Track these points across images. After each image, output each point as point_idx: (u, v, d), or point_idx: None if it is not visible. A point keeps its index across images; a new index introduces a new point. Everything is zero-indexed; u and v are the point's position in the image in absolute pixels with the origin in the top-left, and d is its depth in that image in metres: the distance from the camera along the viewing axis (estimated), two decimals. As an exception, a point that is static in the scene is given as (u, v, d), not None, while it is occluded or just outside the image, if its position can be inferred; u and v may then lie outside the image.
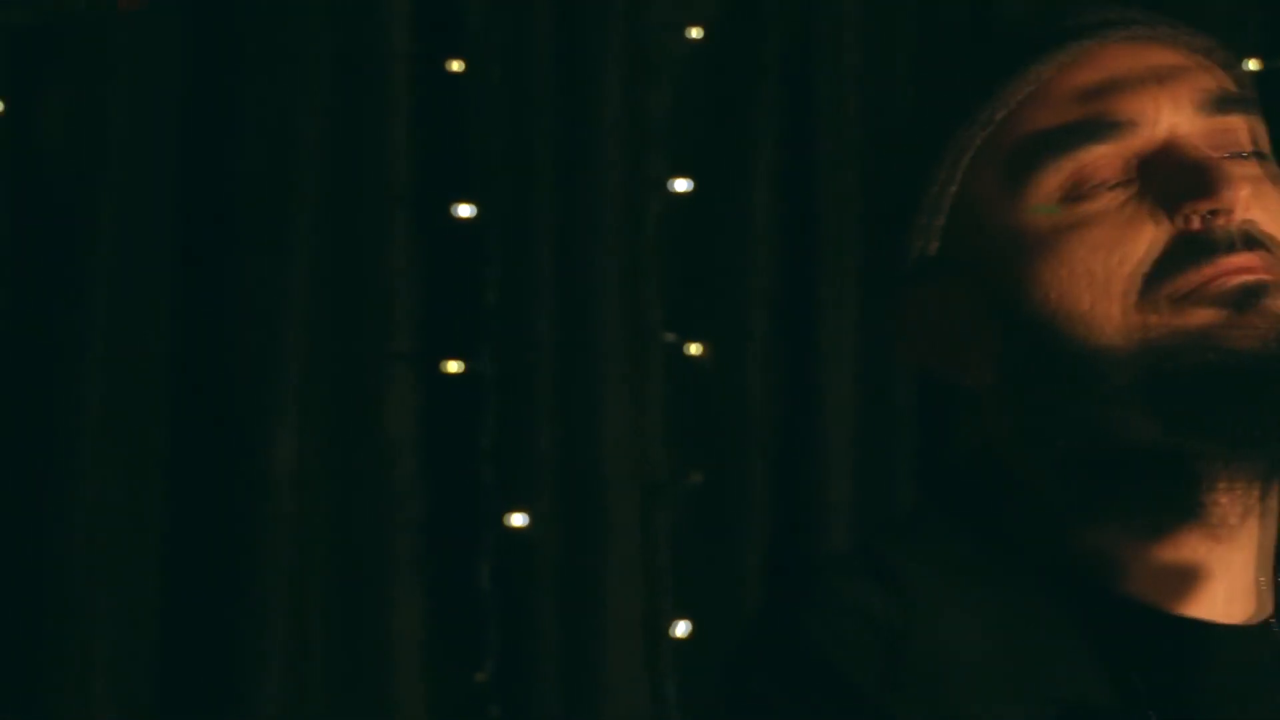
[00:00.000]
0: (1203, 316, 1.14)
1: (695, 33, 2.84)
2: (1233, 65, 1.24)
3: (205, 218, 2.82)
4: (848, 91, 2.82)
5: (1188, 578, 1.17)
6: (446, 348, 2.78)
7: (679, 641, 2.75)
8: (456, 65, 2.83)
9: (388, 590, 2.78)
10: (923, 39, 2.84)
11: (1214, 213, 1.15)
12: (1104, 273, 1.15)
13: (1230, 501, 1.16)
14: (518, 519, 2.74)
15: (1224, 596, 1.18)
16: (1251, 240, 1.15)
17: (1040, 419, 1.18)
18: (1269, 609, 1.21)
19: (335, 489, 2.79)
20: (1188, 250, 1.15)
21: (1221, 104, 1.20)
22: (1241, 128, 1.20)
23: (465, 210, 2.78)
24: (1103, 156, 1.17)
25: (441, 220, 2.79)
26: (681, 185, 2.80)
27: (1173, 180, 1.16)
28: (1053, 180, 1.18)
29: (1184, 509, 1.16)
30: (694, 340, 2.79)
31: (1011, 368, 1.20)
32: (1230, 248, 1.15)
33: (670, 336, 2.79)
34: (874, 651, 1.13)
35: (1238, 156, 1.18)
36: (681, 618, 2.75)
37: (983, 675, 1.14)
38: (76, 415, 2.75)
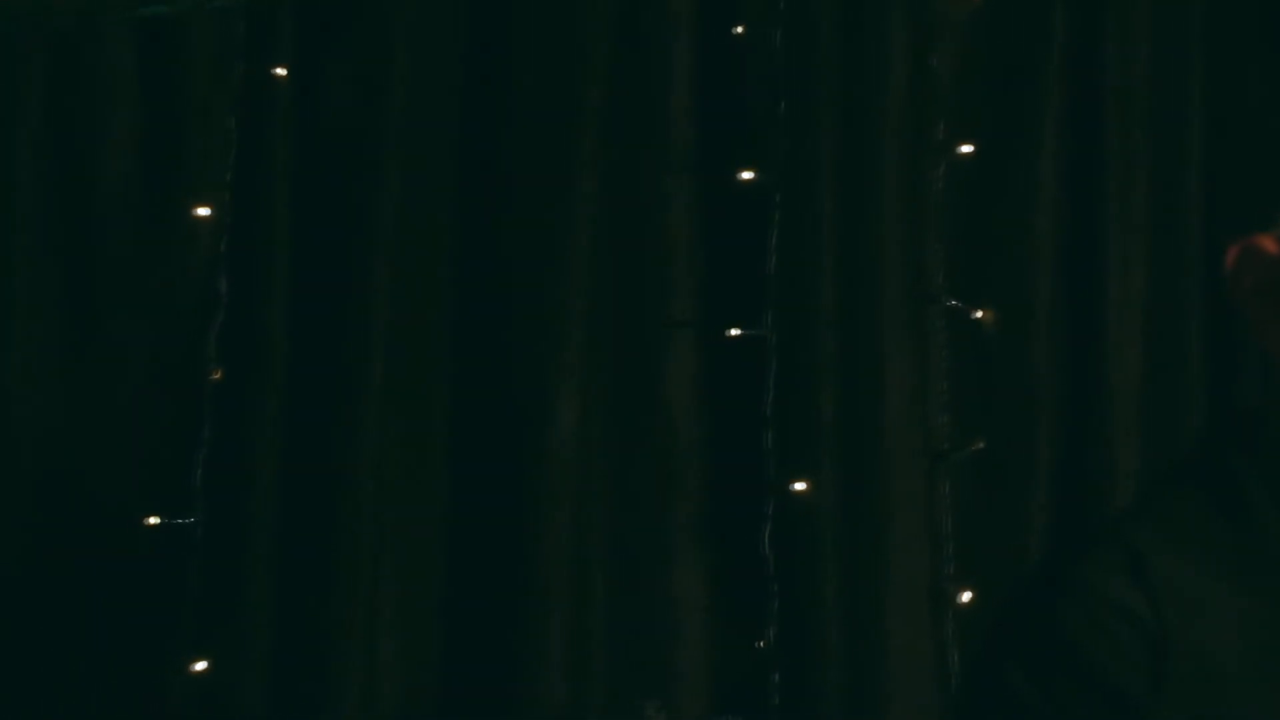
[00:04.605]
0: None
1: (981, -5, 2.80)
2: None
3: (486, 186, 2.83)
4: (1135, 55, 2.76)
5: None
6: (728, 314, 2.77)
7: (963, 609, 2.71)
8: (739, 29, 2.81)
9: (669, 557, 2.78)
10: (1212, 5, 2.77)
11: None
12: None
13: None
14: (799, 485, 2.72)
15: None
16: None
17: None
18: None
19: (617, 456, 2.80)
20: None
21: None
22: None
23: (747, 175, 2.76)
24: None
25: (724, 186, 2.78)
26: (966, 149, 2.77)
27: None
28: None
29: None
30: (978, 305, 2.76)
31: None
32: None
33: (954, 302, 2.76)
34: (1140, 655, 1.11)
35: None
36: (965, 585, 2.72)
37: (1246, 680, 1.12)
38: (362, 385, 2.78)
